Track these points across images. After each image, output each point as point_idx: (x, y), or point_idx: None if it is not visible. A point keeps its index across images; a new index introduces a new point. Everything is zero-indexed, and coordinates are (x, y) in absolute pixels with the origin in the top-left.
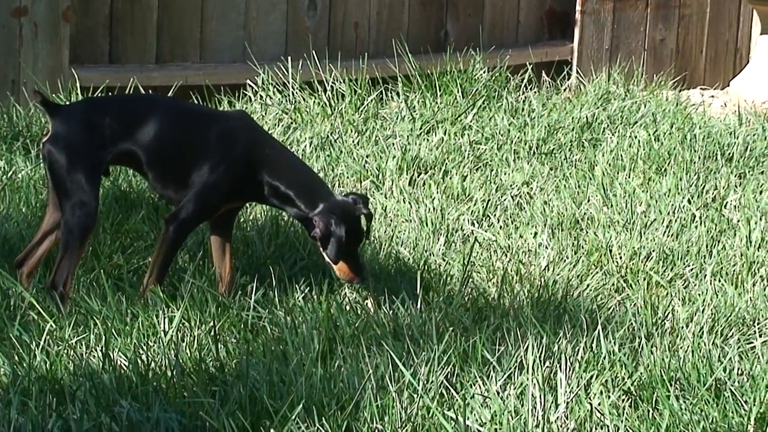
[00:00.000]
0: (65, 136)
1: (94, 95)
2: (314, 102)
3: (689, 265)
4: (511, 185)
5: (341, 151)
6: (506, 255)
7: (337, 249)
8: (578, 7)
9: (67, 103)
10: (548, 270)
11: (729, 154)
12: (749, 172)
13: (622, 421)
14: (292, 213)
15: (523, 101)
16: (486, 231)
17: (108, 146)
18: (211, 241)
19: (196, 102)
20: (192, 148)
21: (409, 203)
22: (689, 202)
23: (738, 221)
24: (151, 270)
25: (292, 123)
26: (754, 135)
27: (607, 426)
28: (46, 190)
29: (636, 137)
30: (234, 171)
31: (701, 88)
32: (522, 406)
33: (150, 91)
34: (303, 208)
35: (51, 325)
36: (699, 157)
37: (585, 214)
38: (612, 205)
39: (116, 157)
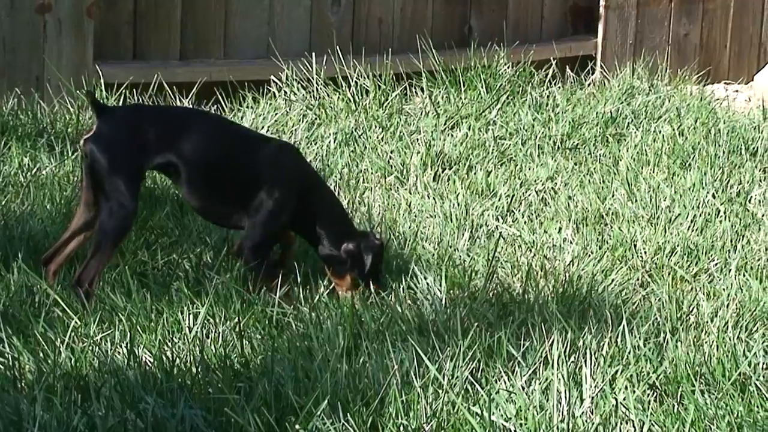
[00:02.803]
0: (110, 136)
1: (118, 92)
2: (338, 98)
3: (714, 260)
4: (535, 180)
5: (365, 147)
6: (531, 250)
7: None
8: (602, 2)
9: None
10: (573, 265)
11: (753, 148)
12: None
13: (647, 416)
14: (320, 250)
15: (548, 96)
16: (510, 226)
17: (151, 154)
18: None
19: (231, 118)
20: (241, 170)
21: (434, 199)
22: (714, 196)
23: (762, 216)
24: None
25: (316, 119)
26: None
27: (632, 421)
28: (70, 187)
29: (660, 132)
30: (289, 199)
31: (725, 83)
32: (547, 401)
33: (174, 88)
34: (332, 247)
35: (76, 322)
36: (723, 152)
37: (609, 209)
38: (636, 200)
39: (155, 166)
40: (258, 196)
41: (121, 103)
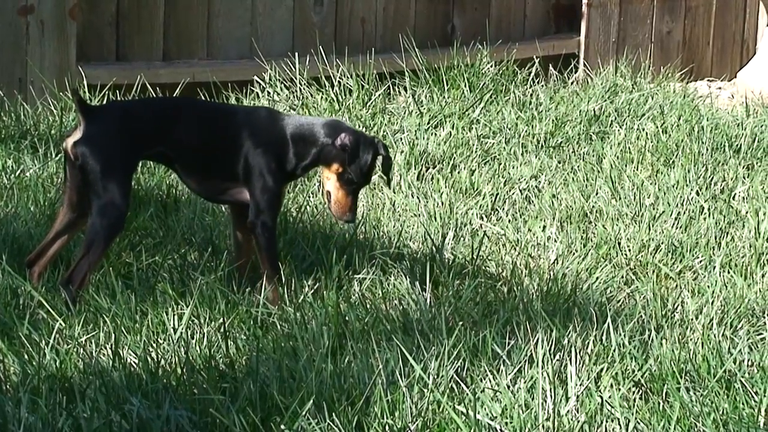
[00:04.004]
0: (100, 138)
1: (101, 93)
2: (322, 97)
3: (698, 257)
4: (519, 179)
5: None
6: (515, 249)
7: (362, 167)
8: (585, 0)
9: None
10: (557, 263)
11: (737, 145)
12: (757, 163)
13: (632, 414)
14: (314, 153)
15: (531, 95)
16: (495, 225)
17: (140, 149)
18: (235, 236)
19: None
20: (224, 142)
21: (418, 198)
22: (697, 194)
23: (746, 212)
24: (266, 275)
25: None
26: (761, 126)
27: (618, 419)
28: (54, 188)
29: (644, 129)
30: (270, 159)
31: (708, 80)
32: (532, 399)
33: (157, 88)
34: (325, 137)
35: (60, 324)
36: (707, 149)
37: (593, 207)
38: (620, 198)
39: (148, 156)
40: (245, 165)
41: None
